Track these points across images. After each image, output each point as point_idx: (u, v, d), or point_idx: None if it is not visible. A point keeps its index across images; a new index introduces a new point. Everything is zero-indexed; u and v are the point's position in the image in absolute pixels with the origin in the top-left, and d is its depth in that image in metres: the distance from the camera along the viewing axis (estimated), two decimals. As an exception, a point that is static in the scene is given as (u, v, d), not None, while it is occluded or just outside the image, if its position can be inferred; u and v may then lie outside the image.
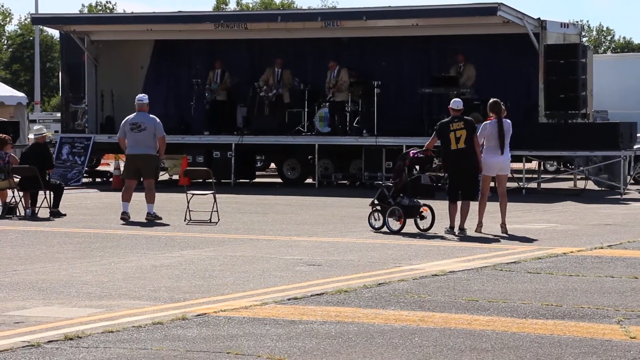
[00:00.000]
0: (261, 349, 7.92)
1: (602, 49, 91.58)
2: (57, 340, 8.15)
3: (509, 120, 16.47)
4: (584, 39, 78.50)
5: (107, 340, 8.23)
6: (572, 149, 24.62)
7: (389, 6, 27.98)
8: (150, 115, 18.51)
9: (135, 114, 18.54)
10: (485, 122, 16.50)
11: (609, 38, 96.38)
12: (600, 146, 24.34)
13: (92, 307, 9.71)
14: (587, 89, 25.80)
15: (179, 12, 30.45)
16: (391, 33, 27.89)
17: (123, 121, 18.79)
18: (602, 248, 14.16)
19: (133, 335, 8.40)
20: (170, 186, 25.86)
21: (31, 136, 20.69)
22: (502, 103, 16.67)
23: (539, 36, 25.52)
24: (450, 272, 11.92)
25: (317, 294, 10.34)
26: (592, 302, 9.95)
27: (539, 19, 25.72)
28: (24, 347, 7.95)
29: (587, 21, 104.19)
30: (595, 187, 25.87)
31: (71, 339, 8.19)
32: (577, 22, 52.95)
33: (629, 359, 7.72)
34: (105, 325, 8.74)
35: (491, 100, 16.68)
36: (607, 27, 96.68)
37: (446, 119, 16.37)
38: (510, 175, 25.20)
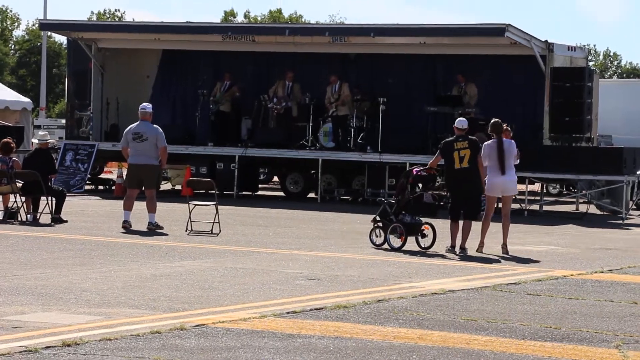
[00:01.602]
0: (258, 362, 7.92)
1: (609, 73, 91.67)
2: (54, 346, 8.14)
3: (511, 141, 16.49)
4: (591, 63, 78.63)
5: (104, 347, 8.21)
6: (575, 172, 24.63)
7: (397, 24, 28.05)
8: (153, 125, 18.51)
9: (138, 123, 18.55)
10: (486, 142, 16.53)
11: (615, 63, 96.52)
12: (603, 170, 24.35)
13: (91, 314, 9.69)
14: (592, 113, 25.82)
15: (187, 22, 30.46)
16: (398, 51, 27.97)
17: (126, 130, 18.81)
18: (602, 272, 14.14)
19: (131, 344, 8.39)
20: (172, 196, 25.87)
21: (35, 141, 20.76)
22: (505, 124, 16.70)
23: (545, 58, 25.56)
24: (450, 291, 11.90)
25: (316, 309, 10.32)
26: (591, 326, 9.93)
27: (546, 41, 25.77)
28: (21, 352, 7.93)
29: (594, 45, 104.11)
30: (598, 212, 25.85)
31: (69, 346, 8.18)
32: (584, 46, 53.10)
33: (626, 384, 7.70)
34: (103, 333, 8.72)
35: (492, 120, 16.72)
36: (614, 52, 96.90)
37: (450, 138, 16.39)
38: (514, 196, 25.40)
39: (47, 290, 11.03)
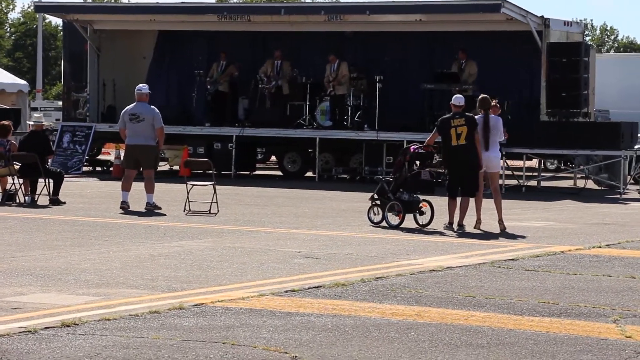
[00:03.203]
0: (257, 340, 7.93)
1: (606, 48, 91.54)
2: (53, 327, 8.17)
3: (499, 117, 16.52)
4: (587, 38, 78.43)
5: (103, 327, 8.24)
6: (573, 147, 24.64)
7: (393, 1, 28.02)
8: (150, 106, 18.49)
9: (134, 104, 18.53)
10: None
11: (612, 37, 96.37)
12: (601, 145, 24.36)
13: (90, 294, 9.72)
14: (589, 88, 25.79)
15: (183, 2, 30.44)
16: (395, 28, 27.92)
17: (123, 111, 18.80)
18: (600, 247, 14.17)
19: (130, 324, 8.42)
20: (170, 177, 25.88)
21: (30, 122, 20.77)
22: (494, 100, 16.70)
23: (542, 34, 25.52)
24: (448, 267, 11.93)
25: (315, 287, 10.36)
26: (589, 301, 9.97)
27: (542, 16, 25.71)
28: (20, 332, 7.96)
29: (591, 20, 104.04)
30: (595, 187, 25.88)
31: (68, 326, 8.21)
32: (580, 20, 52.99)
33: (624, 357, 7.73)
34: (102, 313, 8.76)
35: (481, 95, 16.74)
36: (610, 27, 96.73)
37: (447, 115, 16.39)
38: (510, 172, 25.47)
39: (46, 271, 11.05)
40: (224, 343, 7.80)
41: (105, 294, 9.79)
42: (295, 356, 7.46)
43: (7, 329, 8.05)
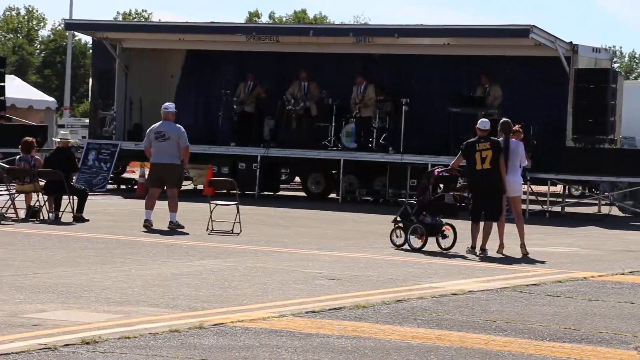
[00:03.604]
0: (276, 361, 7.93)
1: (634, 75, 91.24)
2: (73, 344, 8.17)
3: (519, 142, 16.49)
4: (616, 65, 78.27)
5: (123, 345, 8.25)
6: (598, 174, 24.56)
7: (421, 24, 28.02)
8: (176, 125, 18.56)
9: (160, 122, 18.62)
10: None
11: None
12: (626, 172, 24.27)
13: (110, 312, 9.74)
14: (615, 115, 25.72)
15: (212, 22, 30.55)
16: (422, 51, 27.94)
17: (149, 129, 18.88)
18: (623, 274, 14.09)
19: (149, 342, 8.42)
20: (194, 196, 25.93)
21: (56, 140, 20.90)
22: (517, 125, 16.69)
23: (570, 60, 25.47)
24: (470, 291, 11.89)
25: (335, 308, 10.33)
26: (611, 327, 9.90)
27: (570, 42, 25.67)
28: (40, 349, 7.97)
29: (620, 47, 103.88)
30: (620, 213, 25.76)
31: (88, 343, 8.21)
32: (609, 47, 52.77)
33: (644, 385, 7.68)
34: (122, 331, 8.76)
35: (502, 119, 16.73)
36: (639, 54, 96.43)
37: (472, 139, 16.37)
38: (534, 197, 25.37)
39: (68, 288, 11.08)
40: (242, 363, 7.81)
41: (126, 312, 9.80)
42: (314, 377, 7.47)
43: (27, 346, 8.06)
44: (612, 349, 8.93)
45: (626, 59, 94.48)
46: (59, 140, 20.26)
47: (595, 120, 25.04)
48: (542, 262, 15.21)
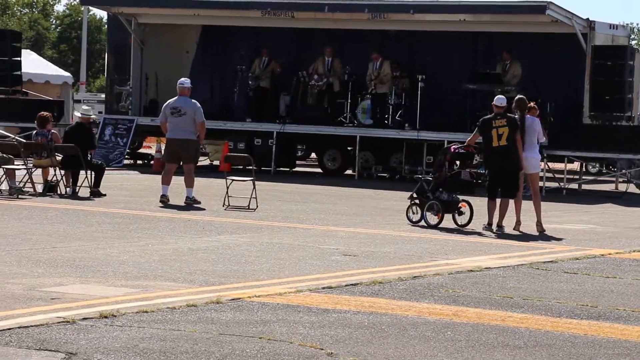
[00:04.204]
0: (293, 336, 7.95)
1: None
2: (92, 318, 8.23)
3: (535, 118, 16.44)
4: (633, 42, 77.82)
5: (141, 320, 8.30)
6: (615, 151, 24.47)
7: (437, 0, 27.91)
8: (192, 100, 18.55)
9: (176, 97, 18.61)
10: None
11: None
12: (643, 149, 24.18)
13: (128, 286, 9.79)
14: (633, 92, 25.60)
15: (227, -3, 30.49)
16: (438, 28, 27.83)
17: (164, 105, 18.89)
18: (640, 251, 14.09)
19: (167, 317, 8.47)
20: (210, 171, 25.98)
21: (78, 114, 20.93)
22: (532, 102, 16.66)
23: (587, 37, 25.34)
24: (486, 268, 11.90)
25: (352, 284, 10.36)
26: (628, 305, 9.91)
27: (587, 19, 25.54)
28: (59, 322, 8.03)
29: (637, 24, 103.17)
30: (637, 191, 25.67)
31: (106, 317, 8.27)
32: (626, 24, 52.26)
33: (662, 362, 7.68)
34: (140, 305, 8.81)
35: (517, 96, 16.68)
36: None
37: (489, 116, 16.34)
38: (551, 175, 25.32)
39: (85, 262, 11.14)
40: (260, 338, 7.83)
41: (144, 286, 9.85)
42: (331, 352, 7.47)
43: (46, 319, 8.13)
44: (630, 325, 8.94)
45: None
46: (80, 115, 20.31)
47: (613, 97, 24.92)
48: (559, 239, 15.20)
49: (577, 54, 25.56)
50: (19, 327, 7.80)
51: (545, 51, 27.05)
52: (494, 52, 27.13)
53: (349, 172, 28.19)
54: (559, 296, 10.22)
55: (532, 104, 16.93)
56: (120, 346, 7.39)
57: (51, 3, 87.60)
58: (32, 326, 7.85)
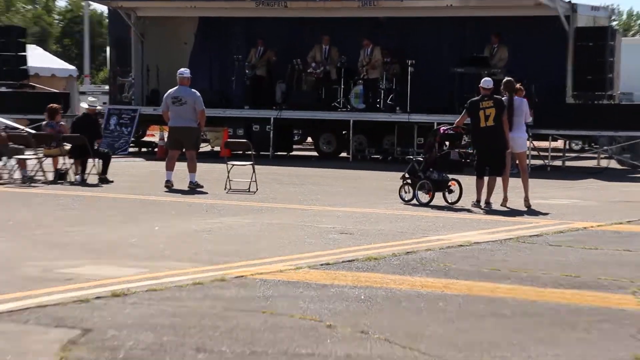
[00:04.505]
0: (294, 310, 8.03)
1: (632, 32, 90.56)
2: (104, 297, 8.31)
3: (523, 99, 16.56)
4: (614, 23, 77.66)
5: (150, 297, 8.38)
6: (597, 129, 24.62)
7: (425, -13, 27.97)
8: (191, 90, 18.64)
9: (176, 87, 18.69)
10: None
11: (638, 22, 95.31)
12: (624, 127, 24.33)
13: (138, 267, 9.87)
14: (614, 72, 25.70)
15: (222, -11, 30.53)
16: (427, 14, 27.89)
17: (165, 94, 18.97)
18: (621, 223, 14.18)
19: (175, 294, 8.54)
20: (211, 157, 26.06)
21: (84, 105, 21.02)
22: (519, 83, 16.77)
23: (569, 19, 25.42)
24: (475, 243, 11.99)
25: (348, 261, 10.42)
26: (609, 274, 9.98)
27: (569, 1, 25.59)
28: (74, 302, 8.12)
29: (618, 5, 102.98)
30: (618, 166, 25.81)
31: (117, 296, 8.35)
32: (607, 6, 52.22)
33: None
34: (150, 284, 8.88)
35: (505, 78, 16.78)
36: (637, 12, 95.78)
37: (476, 98, 16.42)
38: (536, 152, 25.43)
39: (97, 245, 11.24)
40: (263, 312, 7.90)
41: (152, 266, 9.93)
42: (330, 324, 7.54)
43: (61, 298, 8.23)
44: (611, 293, 9.02)
45: (624, 16, 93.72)
46: (86, 106, 20.40)
47: (594, 77, 25.03)
48: (544, 214, 15.29)
49: (560, 36, 25.64)
50: (37, 307, 7.89)
51: (530, 34, 27.11)
52: (480, 36, 27.19)
53: (343, 154, 28.26)
54: (544, 267, 10.30)
55: (518, 85, 17.05)
56: (132, 322, 7.48)
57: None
58: (49, 305, 7.95)
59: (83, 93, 39.72)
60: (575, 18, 25.48)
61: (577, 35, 25.23)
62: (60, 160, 19.63)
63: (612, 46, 25.30)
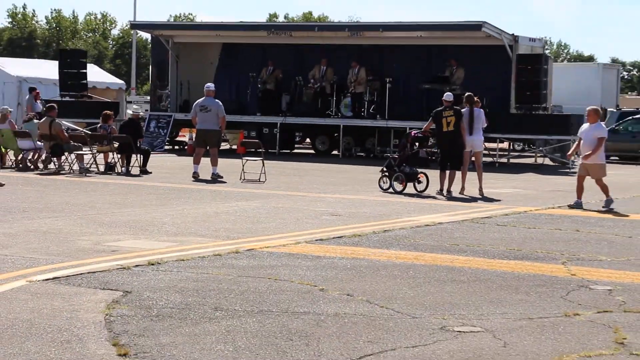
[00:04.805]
0: (294, 276, 7.97)
1: (561, 59, 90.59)
2: (142, 265, 8.24)
3: (481, 110, 16.50)
4: (547, 51, 77.65)
5: (179, 266, 8.31)
6: (535, 133, 24.58)
7: (400, 22, 27.90)
8: (215, 100, 18.53)
9: (204, 98, 18.57)
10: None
11: (565, 51, 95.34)
12: (555, 132, 24.29)
13: (169, 241, 9.79)
14: (547, 89, 25.63)
15: (241, 22, 30.47)
16: (401, 42, 27.78)
17: (194, 103, 18.84)
18: (553, 208, 14.11)
19: (199, 263, 8.47)
20: (230, 154, 25.92)
21: (130, 112, 20.90)
22: (476, 97, 16.74)
23: (512, 47, 25.35)
24: (439, 223, 11.91)
25: (338, 237, 10.37)
26: (544, 248, 9.93)
27: (513, 34, 25.53)
28: (117, 269, 8.05)
29: (550, 37, 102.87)
30: (551, 163, 25.73)
31: (153, 264, 8.28)
32: (542, 37, 52.23)
33: (569, 290, 7.74)
34: (178, 255, 8.82)
35: (467, 94, 16.70)
36: (564, 43, 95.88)
37: (440, 108, 16.31)
38: (487, 152, 25.31)
39: (136, 224, 11.13)
40: (269, 278, 7.84)
41: (181, 241, 9.84)
42: (323, 288, 7.49)
43: (107, 266, 8.15)
44: (546, 264, 8.98)
45: (554, 46, 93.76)
46: (131, 113, 20.27)
47: (532, 93, 24.95)
48: (494, 201, 15.21)
49: (505, 61, 25.55)
50: (88, 273, 7.81)
51: (482, 59, 27.00)
52: (444, 60, 27.06)
53: (335, 152, 28.15)
54: (493, 243, 10.25)
55: (476, 98, 16.91)
56: (164, 286, 7.40)
57: (109, 28, 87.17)
58: (97, 272, 7.87)
59: (130, 102, 39.57)
60: (517, 47, 25.42)
61: (519, 60, 25.14)
62: (110, 155, 19.47)
63: (545, 69, 25.24)
